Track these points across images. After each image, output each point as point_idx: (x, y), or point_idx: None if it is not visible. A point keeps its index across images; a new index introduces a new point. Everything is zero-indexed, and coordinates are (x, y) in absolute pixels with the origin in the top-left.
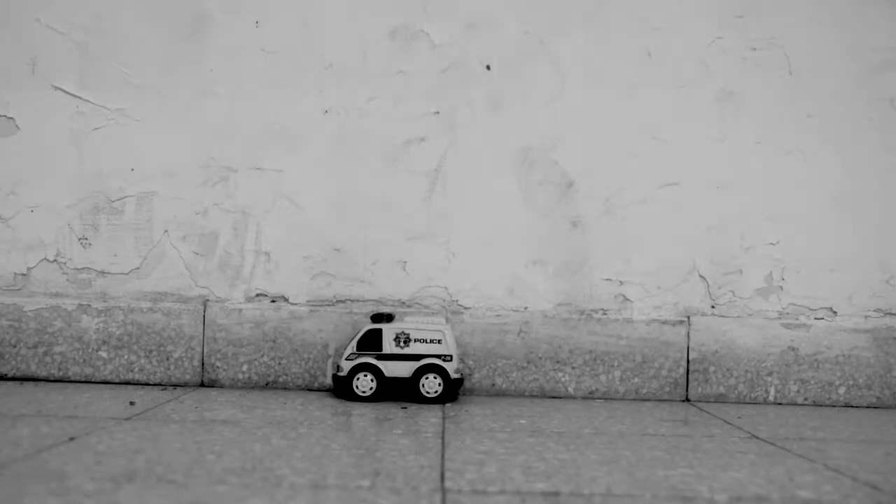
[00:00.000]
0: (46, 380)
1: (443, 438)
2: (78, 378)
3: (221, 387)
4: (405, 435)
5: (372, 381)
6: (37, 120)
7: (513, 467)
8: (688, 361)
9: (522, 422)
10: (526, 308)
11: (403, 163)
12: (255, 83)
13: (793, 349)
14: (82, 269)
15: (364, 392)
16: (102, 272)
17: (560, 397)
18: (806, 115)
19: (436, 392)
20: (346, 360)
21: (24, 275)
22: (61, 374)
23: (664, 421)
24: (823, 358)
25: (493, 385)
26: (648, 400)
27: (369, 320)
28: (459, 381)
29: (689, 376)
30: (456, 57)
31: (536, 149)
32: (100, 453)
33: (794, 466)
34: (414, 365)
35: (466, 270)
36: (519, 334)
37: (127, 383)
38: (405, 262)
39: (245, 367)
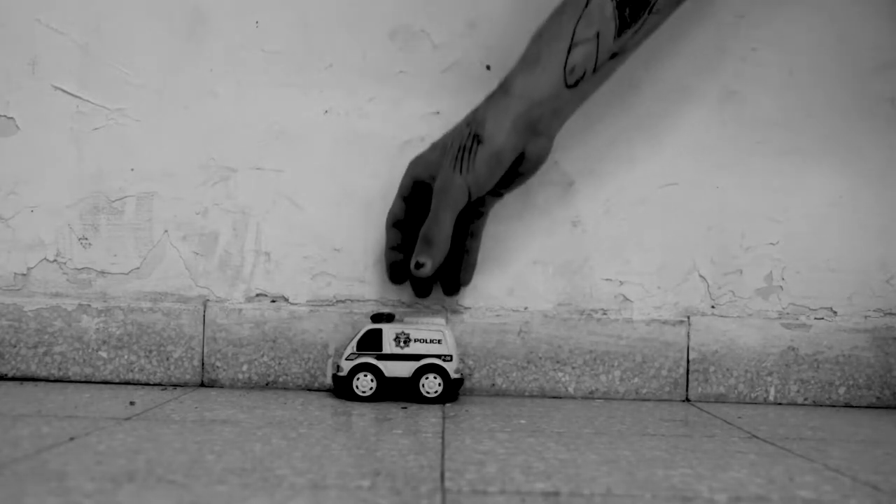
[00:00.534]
0: (46, 380)
1: (443, 438)
2: (78, 378)
3: (221, 387)
4: (405, 435)
5: (372, 381)
6: (37, 120)
7: (513, 467)
8: (688, 361)
9: (522, 422)
10: (526, 308)
11: (404, 163)
12: (255, 83)
13: (793, 349)
14: (82, 269)
15: (364, 392)
16: (102, 272)
17: (560, 397)
18: (806, 115)
19: (436, 392)
20: (346, 360)
21: (24, 275)
22: (61, 374)
23: (664, 421)
24: (823, 358)
25: (493, 385)
26: (648, 400)
27: (369, 320)
28: (459, 381)
29: (689, 376)
30: (456, 57)
31: None
32: (100, 453)
33: (794, 466)
34: (414, 365)
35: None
36: (519, 334)
37: (127, 383)
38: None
39: (245, 367)
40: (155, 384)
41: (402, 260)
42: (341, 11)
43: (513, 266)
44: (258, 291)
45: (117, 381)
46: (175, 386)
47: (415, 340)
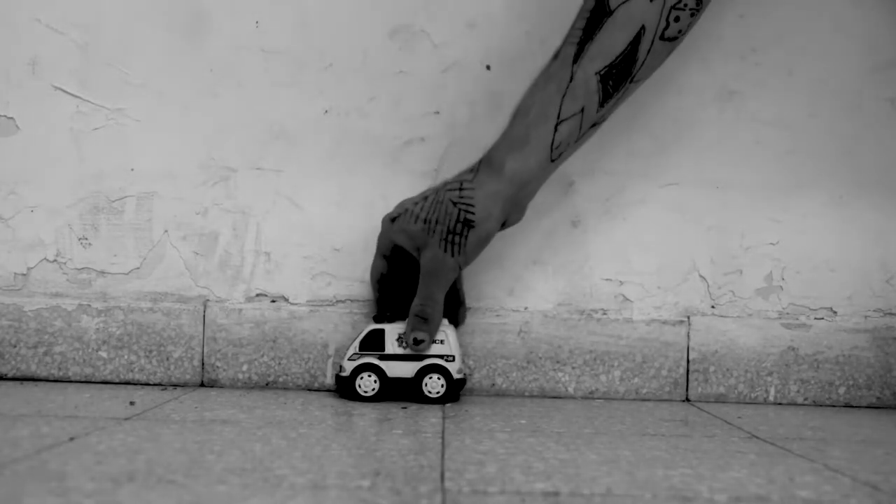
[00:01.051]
0: (46, 380)
1: (443, 438)
2: (78, 378)
3: (221, 387)
4: (405, 435)
5: (375, 381)
6: (37, 120)
7: (513, 467)
8: (688, 361)
9: (522, 422)
10: (526, 308)
11: (403, 163)
12: (255, 83)
13: (793, 349)
14: (82, 269)
15: (367, 392)
16: (102, 272)
17: (560, 397)
18: (806, 115)
19: (438, 392)
20: (349, 360)
21: (24, 275)
22: (61, 374)
23: (664, 421)
24: (823, 358)
25: (493, 385)
26: (648, 400)
27: (371, 321)
28: (462, 382)
29: (689, 376)
30: (456, 57)
31: None
32: (100, 453)
33: (794, 466)
34: (417, 365)
35: (466, 270)
36: (519, 334)
37: (127, 383)
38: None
39: (245, 367)
40: (155, 384)
41: (382, 313)
42: (341, 11)
43: (513, 266)
44: (258, 291)
45: (117, 381)
46: (175, 386)
47: (419, 349)
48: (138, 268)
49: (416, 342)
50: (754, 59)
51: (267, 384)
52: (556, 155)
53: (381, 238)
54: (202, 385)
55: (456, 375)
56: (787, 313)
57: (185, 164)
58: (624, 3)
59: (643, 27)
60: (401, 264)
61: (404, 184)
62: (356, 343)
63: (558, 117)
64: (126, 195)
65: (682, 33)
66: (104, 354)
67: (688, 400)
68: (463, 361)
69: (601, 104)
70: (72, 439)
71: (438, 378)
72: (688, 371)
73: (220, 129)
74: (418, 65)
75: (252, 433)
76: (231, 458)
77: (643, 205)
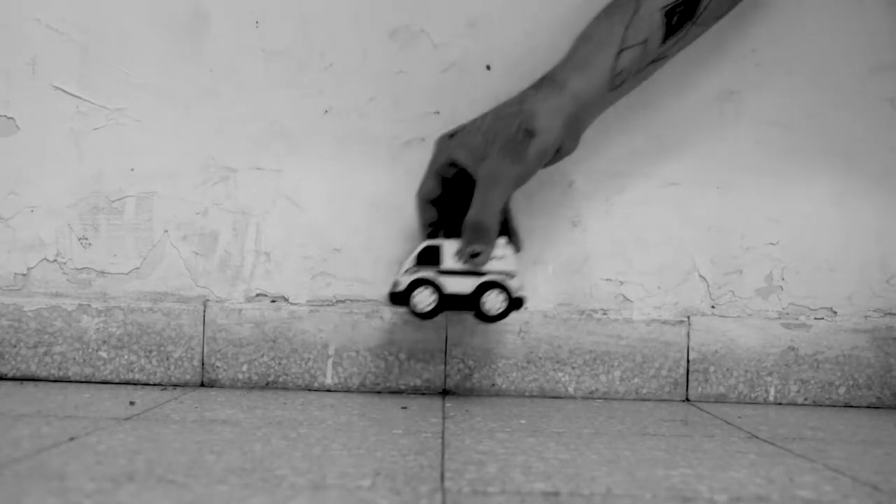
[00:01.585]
0: (46, 380)
1: (443, 438)
2: (78, 378)
3: (221, 387)
4: (405, 435)
5: (432, 295)
6: (37, 120)
7: (513, 467)
8: (688, 361)
9: (522, 422)
10: (526, 308)
11: (403, 163)
12: (255, 83)
13: (793, 349)
14: (82, 269)
15: (424, 308)
16: (102, 272)
17: (560, 397)
18: (806, 114)
19: (499, 310)
20: (405, 274)
21: (24, 275)
22: (61, 374)
23: (664, 421)
24: (823, 358)
25: (493, 385)
26: (648, 400)
27: (426, 238)
28: (520, 301)
29: (689, 376)
30: (456, 57)
31: None
32: (100, 453)
33: (794, 466)
34: (475, 281)
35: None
36: (519, 334)
37: (127, 383)
38: (405, 261)
39: (245, 367)
40: (155, 384)
41: (435, 231)
42: (341, 11)
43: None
44: (258, 291)
45: (117, 381)
46: (175, 386)
47: (477, 262)
48: (138, 268)
49: (474, 255)
50: (754, 59)
51: (267, 384)
52: (618, 82)
53: (438, 156)
54: (202, 385)
55: (515, 293)
56: (787, 313)
57: (185, 164)
58: None
59: None
60: (453, 185)
61: (404, 184)
62: (412, 257)
63: (621, 45)
64: (126, 195)
65: None
66: (104, 354)
67: (688, 400)
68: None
69: (663, 40)
70: (72, 439)
71: (499, 294)
72: (688, 371)
73: (220, 129)
74: (418, 65)
75: (252, 433)
76: (231, 458)
77: (643, 205)
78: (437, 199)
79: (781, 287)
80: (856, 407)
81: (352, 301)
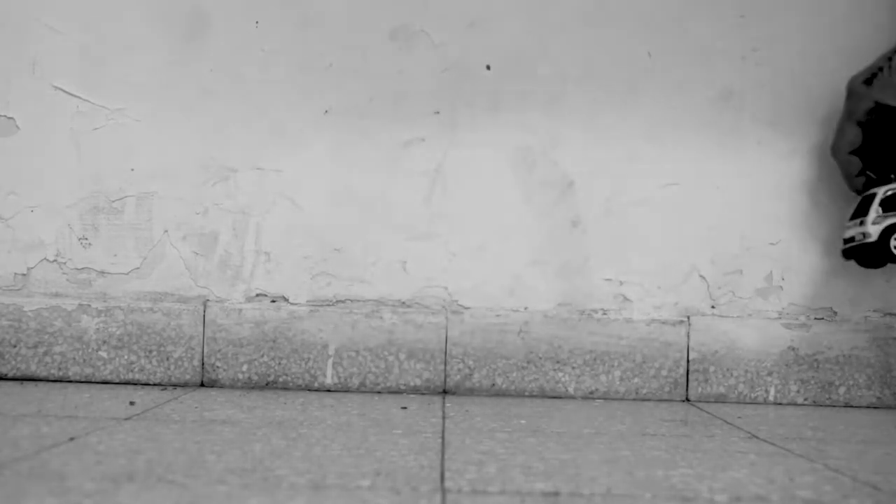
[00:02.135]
0: (46, 380)
1: (443, 438)
2: (78, 378)
3: (221, 387)
4: (405, 435)
5: None
6: (37, 120)
7: (513, 467)
8: (688, 361)
9: (522, 422)
10: (526, 308)
11: (403, 163)
12: (255, 83)
13: (793, 349)
14: (82, 269)
15: None
16: (102, 272)
17: (560, 397)
18: (806, 114)
19: None
20: (873, 224)
21: (24, 275)
22: (61, 374)
23: (664, 421)
24: (823, 358)
25: (493, 385)
26: (648, 400)
27: (879, 186)
28: None
29: (689, 376)
30: (456, 57)
31: (536, 149)
32: (100, 453)
33: (794, 466)
34: None
35: (466, 270)
36: (519, 334)
37: (127, 383)
38: (405, 261)
39: (245, 367)
40: (155, 384)
41: (867, 182)
42: (341, 11)
43: (513, 266)
44: (258, 291)
45: (117, 381)
46: (175, 386)
47: None
48: (138, 268)
49: None
50: (754, 59)
51: (267, 384)
52: None
53: (858, 103)
54: (202, 385)
55: None
56: (787, 313)
57: (185, 164)
58: None
59: None
60: (879, 128)
61: (404, 184)
62: (876, 205)
63: None
64: (126, 195)
65: None
66: (104, 354)
67: (688, 400)
68: None
69: None
70: (72, 439)
71: None
72: (688, 371)
73: (220, 129)
74: (418, 65)
75: (252, 433)
76: (231, 458)
77: (643, 205)
78: (863, 145)
79: (781, 287)
80: (856, 407)
81: (352, 301)
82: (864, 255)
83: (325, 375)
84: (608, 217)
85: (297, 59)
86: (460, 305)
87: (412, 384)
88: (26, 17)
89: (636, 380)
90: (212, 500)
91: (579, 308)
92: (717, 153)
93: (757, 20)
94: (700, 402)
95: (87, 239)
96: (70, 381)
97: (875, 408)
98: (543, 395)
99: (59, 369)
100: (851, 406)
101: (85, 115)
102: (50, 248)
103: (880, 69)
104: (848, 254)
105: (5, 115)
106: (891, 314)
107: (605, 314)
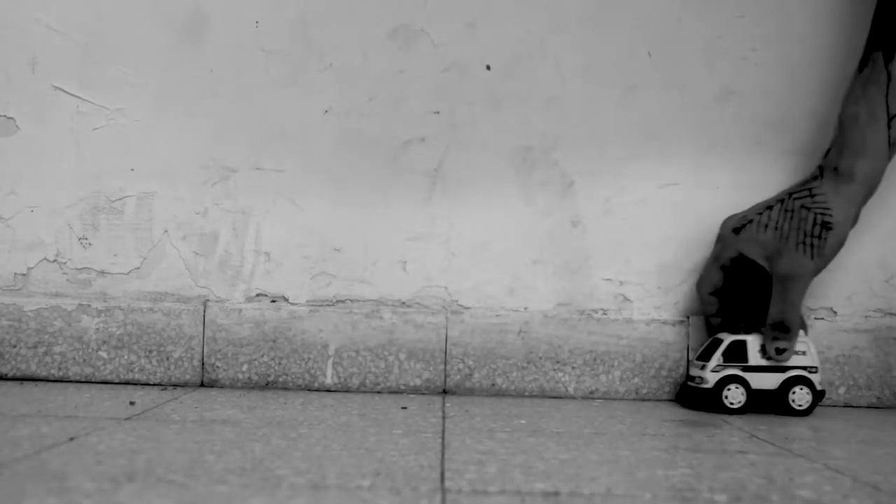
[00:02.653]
0: (46, 380)
1: (443, 438)
2: (78, 378)
3: (221, 387)
4: (405, 435)
5: (742, 393)
6: (37, 120)
7: (513, 467)
8: (688, 362)
9: (522, 422)
10: (526, 308)
11: (403, 163)
12: (255, 83)
13: None
14: (82, 269)
15: (734, 404)
16: (102, 272)
17: (560, 397)
18: (806, 114)
19: (802, 406)
20: (712, 371)
21: (24, 275)
22: (61, 374)
23: (664, 421)
24: (823, 358)
25: (493, 385)
26: (648, 400)
27: (727, 333)
28: (822, 394)
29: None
30: (456, 57)
31: (536, 149)
32: (100, 453)
33: (794, 466)
34: (780, 377)
35: (466, 270)
36: (519, 334)
37: (127, 383)
38: (405, 262)
39: (245, 367)
40: (155, 384)
41: (724, 323)
42: (341, 11)
43: (513, 266)
44: (258, 291)
45: (117, 381)
46: (175, 386)
47: (780, 358)
48: (138, 268)
49: (779, 352)
50: (754, 59)
51: (267, 384)
52: (893, 152)
53: (723, 250)
54: (202, 385)
55: (819, 387)
56: None
57: (185, 164)
58: None
59: None
60: (739, 276)
61: (404, 184)
62: (718, 355)
63: (888, 115)
64: (126, 195)
65: None
66: (104, 354)
67: None
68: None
69: None
70: (72, 439)
71: (803, 389)
72: (688, 371)
73: (220, 129)
74: (418, 65)
75: (252, 433)
76: (231, 458)
77: (643, 205)
78: (722, 288)
79: None
80: (856, 407)
81: (352, 301)
82: (699, 398)
83: (325, 375)
84: (608, 217)
85: (297, 59)
86: (460, 305)
87: (412, 384)
88: (26, 17)
89: (636, 380)
90: (212, 500)
91: (579, 308)
92: (718, 153)
93: (757, 20)
94: None
95: (87, 239)
96: (70, 381)
97: (875, 408)
98: (543, 395)
99: (59, 369)
100: (851, 406)
101: (85, 115)
102: (50, 248)
103: (750, 221)
104: (685, 390)
105: (5, 115)
106: (891, 314)
107: (605, 314)
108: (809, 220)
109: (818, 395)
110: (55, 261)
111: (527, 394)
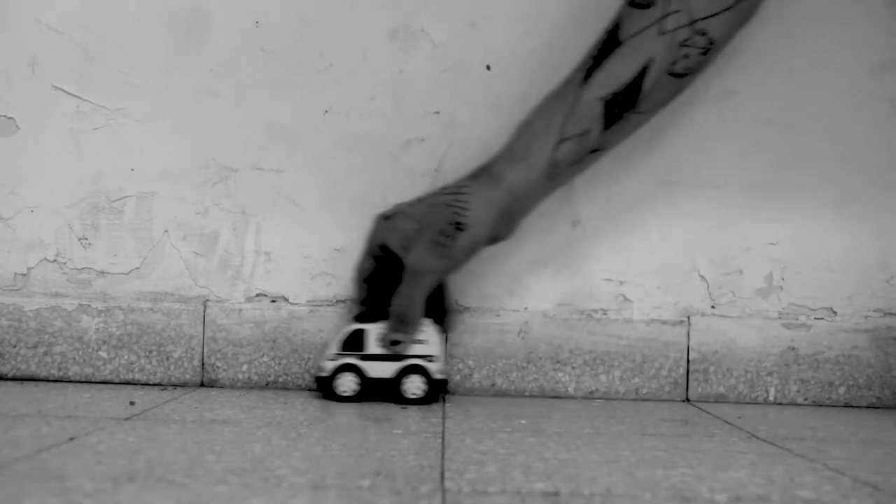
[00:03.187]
0: (46, 380)
1: (443, 438)
2: (78, 378)
3: (221, 387)
4: (405, 435)
5: (354, 381)
6: (37, 120)
7: (513, 467)
8: (688, 361)
9: (522, 422)
10: (526, 308)
11: (403, 163)
12: (255, 83)
13: (793, 349)
14: (82, 269)
15: (346, 392)
16: (102, 272)
17: (560, 397)
18: (806, 114)
19: (415, 394)
20: (329, 360)
21: (24, 275)
22: (61, 374)
23: (664, 421)
24: (823, 358)
25: (493, 385)
26: (648, 400)
27: (353, 320)
28: (443, 383)
29: (690, 376)
30: (456, 57)
31: None
32: (100, 453)
33: (794, 466)
34: (397, 366)
35: (466, 270)
36: (519, 334)
37: (127, 383)
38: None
39: (245, 367)
40: (155, 384)
41: (364, 312)
42: (341, 11)
43: (513, 266)
44: (258, 291)
45: (117, 381)
46: (175, 386)
47: (399, 349)
48: (138, 268)
49: (393, 343)
50: (754, 59)
51: (267, 384)
52: (555, 173)
53: (372, 237)
54: (202, 385)
55: (436, 376)
56: (787, 313)
57: (185, 164)
58: (633, 35)
59: (651, 59)
60: (388, 265)
61: (404, 184)
62: (336, 342)
63: (560, 136)
64: (126, 195)
65: (691, 71)
66: (104, 354)
67: (688, 400)
68: (447, 363)
69: (604, 129)
70: (72, 439)
71: (418, 377)
72: (688, 371)
73: (220, 129)
74: (418, 65)
75: (252, 433)
76: (231, 458)
77: (643, 205)
78: (371, 276)
79: (781, 287)
80: (856, 407)
81: (352, 301)
82: (320, 386)
83: None
84: (608, 217)
85: (297, 59)
86: (460, 305)
87: None
88: (26, 17)
89: (636, 380)
90: (212, 500)
91: (579, 308)
92: (717, 152)
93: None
94: (700, 402)
95: (87, 239)
96: (70, 381)
97: (875, 408)
98: (543, 395)
99: (59, 369)
100: (851, 406)
101: (85, 115)
102: (50, 248)
103: (401, 211)
104: (317, 382)
105: (5, 115)
106: (891, 314)
107: (605, 314)
108: (445, 218)
109: (436, 384)
110: (55, 261)
111: (527, 394)
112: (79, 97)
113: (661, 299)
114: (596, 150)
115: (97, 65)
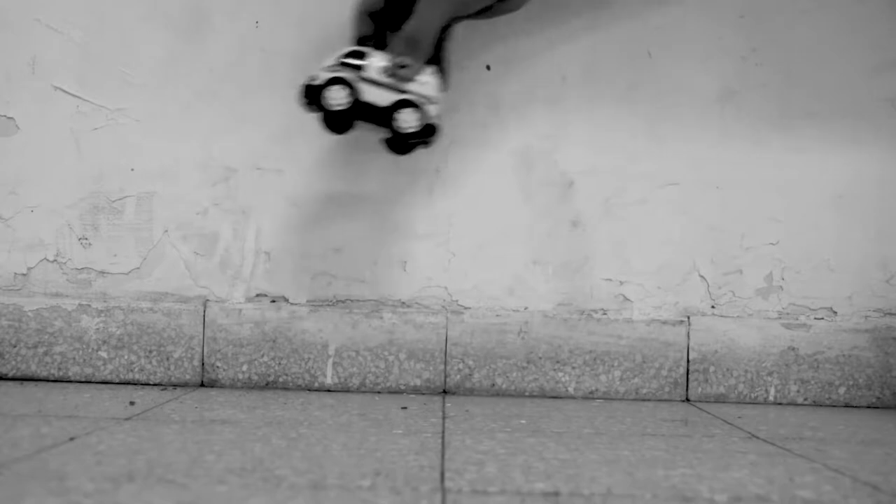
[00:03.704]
0: (46, 380)
1: (443, 438)
2: (78, 378)
3: (221, 387)
4: (405, 435)
5: (346, 96)
6: (37, 120)
7: (513, 467)
8: (688, 361)
9: (522, 422)
10: (526, 308)
11: (403, 163)
12: (254, 83)
13: (793, 349)
14: (82, 269)
15: (335, 105)
16: (102, 272)
17: (560, 397)
18: (806, 115)
19: (410, 127)
20: (325, 70)
21: (24, 275)
22: (61, 374)
23: (664, 421)
24: (823, 358)
25: (493, 385)
26: (648, 400)
27: (355, 43)
28: (434, 128)
29: (689, 376)
30: (456, 57)
31: (536, 149)
32: (100, 453)
33: (794, 466)
34: (394, 97)
35: (466, 270)
36: (519, 334)
37: (127, 383)
38: (405, 262)
39: (245, 367)
40: (155, 384)
41: (367, 36)
42: (341, 11)
43: (513, 266)
44: (258, 291)
45: (117, 381)
46: (175, 386)
47: (401, 76)
48: (138, 268)
49: (400, 66)
50: (754, 59)
51: (267, 384)
52: None
53: None
54: (202, 385)
55: (431, 118)
56: (787, 313)
57: (185, 164)
58: None
59: None
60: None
61: (405, 183)
62: (335, 56)
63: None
64: (126, 195)
65: None
66: (104, 354)
67: (688, 400)
68: (440, 117)
69: None
70: (72, 439)
71: (414, 112)
72: (688, 371)
73: (220, 129)
74: None
75: (252, 433)
76: (231, 458)
77: (643, 205)
78: (376, 13)
79: (781, 287)
80: (856, 407)
81: (352, 301)
82: (308, 94)
83: (325, 375)
84: (608, 217)
85: (297, 59)
86: (460, 305)
87: (412, 384)
88: (26, 17)
89: (636, 380)
90: (212, 500)
91: (579, 308)
92: (717, 153)
93: (757, 20)
94: (700, 402)
95: (87, 239)
96: (70, 381)
97: (875, 408)
98: (543, 395)
99: (59, 369)
100: (851, 406)
101: (85, 115)
102: (50, 248)
103: None
104: (304, 91)
105: (5, 115)
106: (891, 314)
107: (605, 314)
108: None
109: (429, 127)
110: (55, 261)
111: (527, 394)
112: (79, 97)
113: (661, 299)
114: None
115: (97, 65)
